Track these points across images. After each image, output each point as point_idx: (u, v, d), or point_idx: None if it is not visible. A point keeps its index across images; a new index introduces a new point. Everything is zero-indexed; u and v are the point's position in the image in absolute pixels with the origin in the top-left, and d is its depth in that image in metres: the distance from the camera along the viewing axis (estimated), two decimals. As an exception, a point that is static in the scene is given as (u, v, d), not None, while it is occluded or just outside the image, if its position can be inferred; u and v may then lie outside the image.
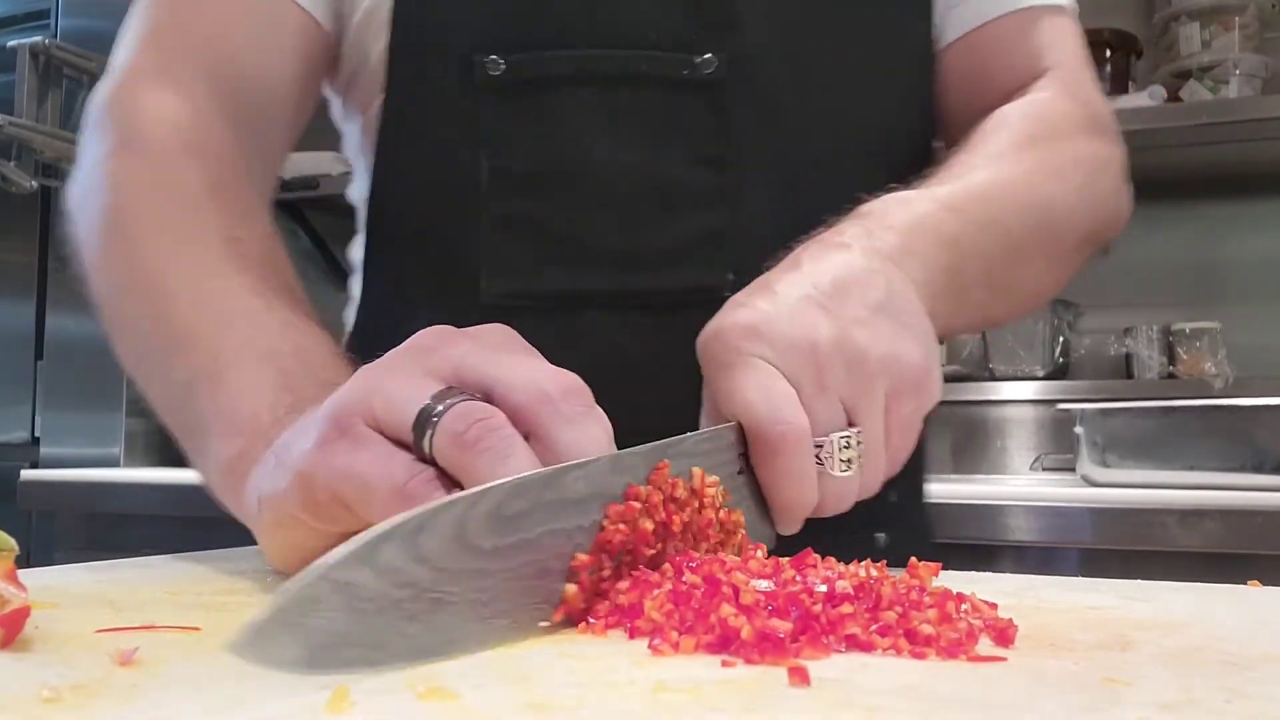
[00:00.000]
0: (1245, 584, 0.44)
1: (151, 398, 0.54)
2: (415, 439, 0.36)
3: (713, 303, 0.46)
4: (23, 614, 0.30)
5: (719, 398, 0.44)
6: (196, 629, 0.33)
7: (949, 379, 2.03)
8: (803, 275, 0.46)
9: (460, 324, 0.40)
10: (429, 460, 0.35)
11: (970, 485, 1.47)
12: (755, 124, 0.61)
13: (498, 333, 0.40)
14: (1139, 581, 0.45)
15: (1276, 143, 1.98)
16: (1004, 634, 0.32)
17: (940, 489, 1.38)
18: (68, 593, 0.39)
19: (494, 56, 0.58)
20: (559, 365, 0.39)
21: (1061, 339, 1.99)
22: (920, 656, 0.30)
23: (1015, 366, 2.00)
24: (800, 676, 0.26)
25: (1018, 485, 1.56)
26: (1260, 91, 1.91)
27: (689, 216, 0.60)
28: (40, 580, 0.40)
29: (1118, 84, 1.97)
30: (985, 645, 0.32)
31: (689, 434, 0.40)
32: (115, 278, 0.56)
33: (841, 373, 0.43)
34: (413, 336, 0.40)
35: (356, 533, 0.32)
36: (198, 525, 0.69)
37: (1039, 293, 0.64)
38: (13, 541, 0.33)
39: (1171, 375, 1.92)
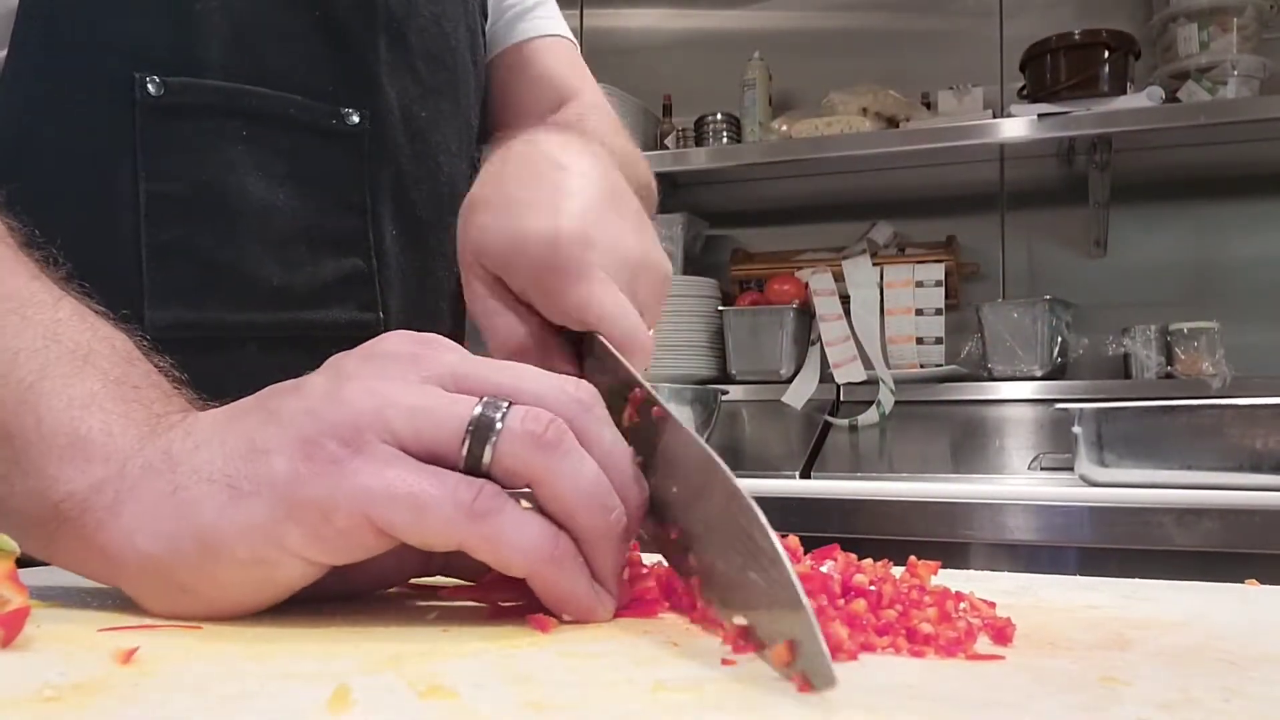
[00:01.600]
0: (1243, 583, 0.44)
1: None
2: (471, 448, 0.34)
3: (365, 338, 0.40)
4: (22, 614, 0.30)
5: (564, 307, 0.44)
6: (197, 628, 0.33)
7: (948, 378, 2.04)
8: (584, 179, 0.48)
9: None
10: (478, 473, 0.34)
11: (969, 485, 1.47)
12: (386, 178, 0.66)
13: (450, 343, 0.38)
14: (1137, 581, 0.45)
15: (1275, 143, 1.99)
16: (1002, 633, 0.33)
17: (939, 488, 1.38)
18: (68, 592, 0.39)
19: (154, 76, 0.57)
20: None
21: (1060, 339, 1.99)
22: (919, 655, 0.30)
23: (1014, 366, 2.00)
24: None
25: (1016, 485, 1.56)
26: (1258, 92, 1.91)
27: (335, 258, 0.64)
28: (40, 580, 0.40)
29: (1116, 85, 1.97)
30: (984, 644, 0.32)
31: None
32: None
33: (644, 282, 0.47)
34: (370, 344, 0.37)
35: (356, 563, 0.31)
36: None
37: None
38: (13, 544, 0.33)
39: (1169, 375, 1.92)
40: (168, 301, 0.58)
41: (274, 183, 0.61)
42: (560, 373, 0.38)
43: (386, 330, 0.40)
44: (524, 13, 0.79)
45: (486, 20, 0.78)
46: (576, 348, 0.46)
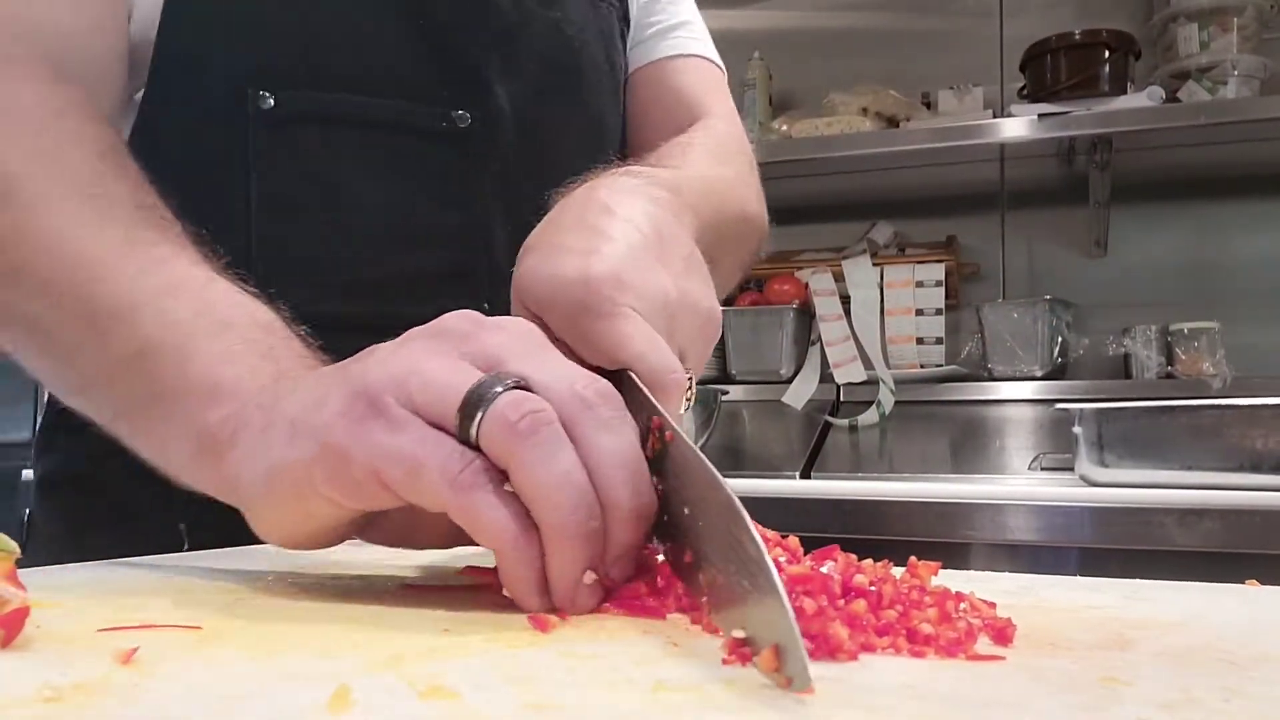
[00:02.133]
0: (1244, 583, 0.44)
1: (68, 380, 0.50)
2: (462, 422, 0.35)
3: None
4: (22, 614, 0.30)
5: (598, 347, 0.45)
6: (197, 628, 0.33)
7: (949, 378, 2.04)
8: (628, 224, 0.49)
9: None
10: (473, 446, 0.35)
11: (969, 485, 1.47)
12: (496, 175, 0.68)
13: (523, 325, 0.40)
14: (1138, 581, 0.45)
15: (1275, 143, 1.99)
16: (1003, 633, 0.33)
17: (939, 489, 1.38)
18: (68, 592, 0.39)
19: (264, 91, 0.61)
20: None
21: (1060, 339, 1.99)
22: (919, 655, 0.30)
23: (1014, 366, 2.00)
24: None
25: (1016, 485, 1.56)
26: (1258, 92, 1.91)
27: (444, 253, 0.67)
28: (40, 580, 0.40)
29: (1116, 85, 1.97)
30: (984, 644, 0.32)
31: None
32: (2, 258, 0.50)
33: (683, 325, 0.48)
34: (438, 320, 0.40)
35: (382, 511, 0.32)
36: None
37: (729, 278, 0.73)
38: (13, 544, 0.33)
39: (1170, 375, 1.92)
40: (277, 294, 0.60)
41: (382, 182, 0.64)
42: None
43: None
44: (666, 31, 0.81)
45: (629, 26, 0.79)
46: (616, 388, 0.46)
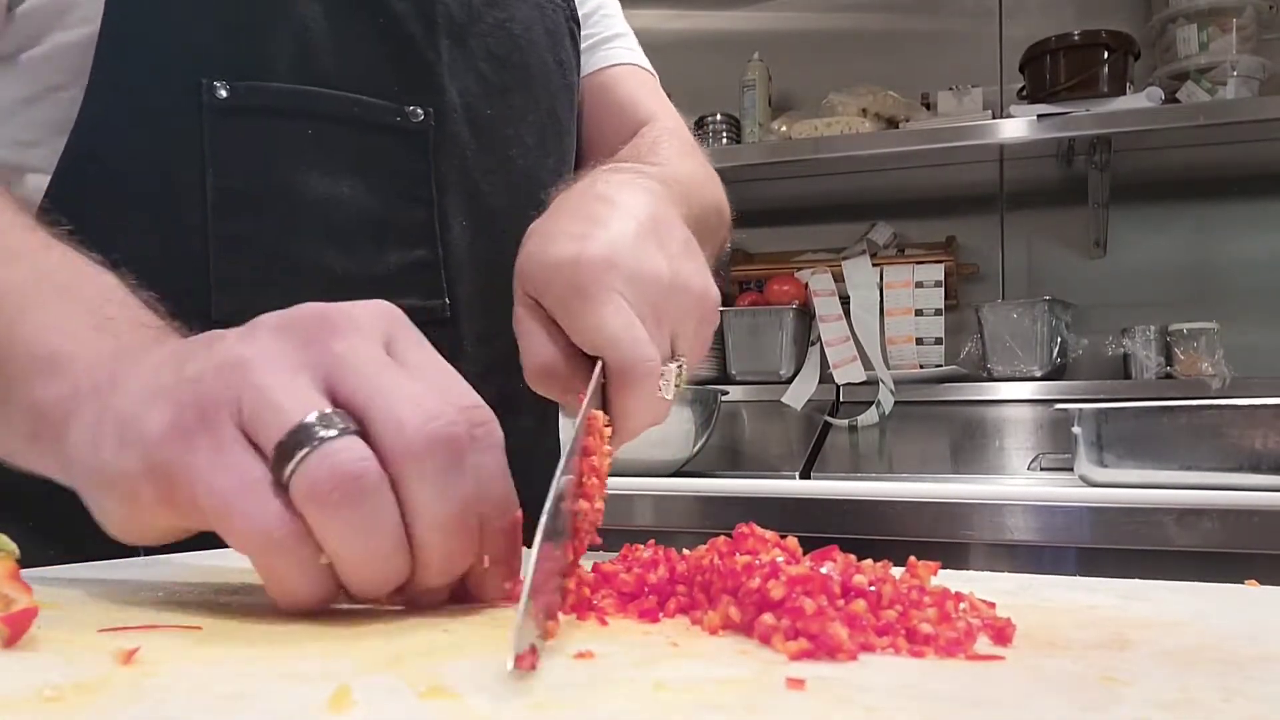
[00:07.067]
0: (1243, 583, 0.44)
1: None
2: (276, 461, 0.33)
3: (433, 324, 0.49)
4: (30, 615, 0.30)
5: (579, 328, 0.46)
6: (198, 628, 0.33)
7: (948, 379, 2.04)
8: (625, 211, 0.50)
9: None
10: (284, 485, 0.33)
11: (969, 485, 1.47)
12: (452, 170, 0.68)
13: (383, 319, 0.38)
14: (1137, 581, 0.45)
15: (1274, 143, 1.99)
16: (1002, 633, 0.33)
17: (939, 489, 1.38)
18: (69, 592, 0.39)
19: (217, 82, 0.59)
20: None
21: (1059, 339, 2.00)
22: (919, 655, 0.30)
23: (1013, 366, 2.00)
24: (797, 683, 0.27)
25: (1016, 485, 1.56)
26: (1257, 93, 1.91)
27: (402, 248, 0.66)
28: (41, 580, 0.40)
29: (1115, 85, 1.97)
30: (984, 644, 0.32)
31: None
32: None
33: (675, 308, 0.48)
34: (293, 310, 0.37)
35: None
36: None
37: None
38: (13, 545, 0.33)
39: (1169, 375, 1.92)
40: (234, 291, 0.60)
41: (339, 177, 0.63)
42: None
43: (454, 316, 0.47)
44: (601, 43, 0.83)
45: (579, 27, 0.81)
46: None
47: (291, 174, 0.62)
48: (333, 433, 0.33)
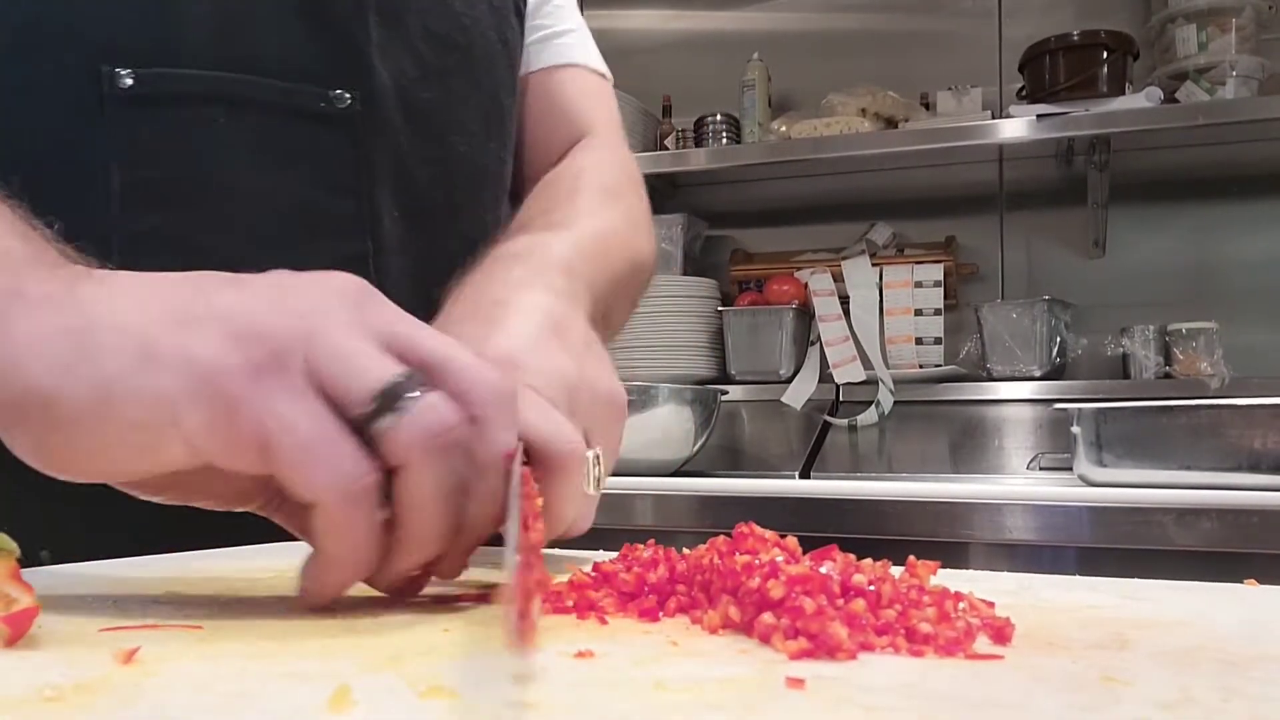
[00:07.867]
0: (1242, 583, 0.45)
1: None
2: (372, 415, 0.33)
3: None
4: (31, 614, 0.30)
5: None
6: (198, 628, 0.33)
7: (947, 378, 2.04)
8: (522, 314, 0.49)
9: None
10: (368, 438, 0.33)
11: (968, 485, 1.47)
12: (384, 158, 0.64)
13: (391, 304, 0.38)
14: (1136, 580, 0.45)
15: (1273, 143, 1.99)
16: (1002, 632, 0.33)
17: (939, 488, 1.38)
18: (69, 592, 0.39)
19: (120, 69, 0.56)
20: None
21: (1058, 339, 2.00)
22: (918, 655, 0.30)
23: (1012, 366, 2.00)
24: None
25: (1015, 485, 1.56)
26: (1257, 93, 1.91)
27: (331, 240, 0.62)
28: (42, 580, 0.40)
29: (1114, 86, 1.97)
30: (983, 644, 0.32)
31: None
32: None
33: (585, 403, 0.47)
34: (323, 275, 0.37)
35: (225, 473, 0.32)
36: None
37: (620, 327, 0.72)
38: (13, 544, 0.33)
39: (1168, 375, 1.92)
40: None
41: (260, 168, 0.60)
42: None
43: None
44: (549, 38, 0.78)
45: (526, 4, 0.76)
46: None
47: (207, 166, 0.58)
48: (429, 389, 0.34)
